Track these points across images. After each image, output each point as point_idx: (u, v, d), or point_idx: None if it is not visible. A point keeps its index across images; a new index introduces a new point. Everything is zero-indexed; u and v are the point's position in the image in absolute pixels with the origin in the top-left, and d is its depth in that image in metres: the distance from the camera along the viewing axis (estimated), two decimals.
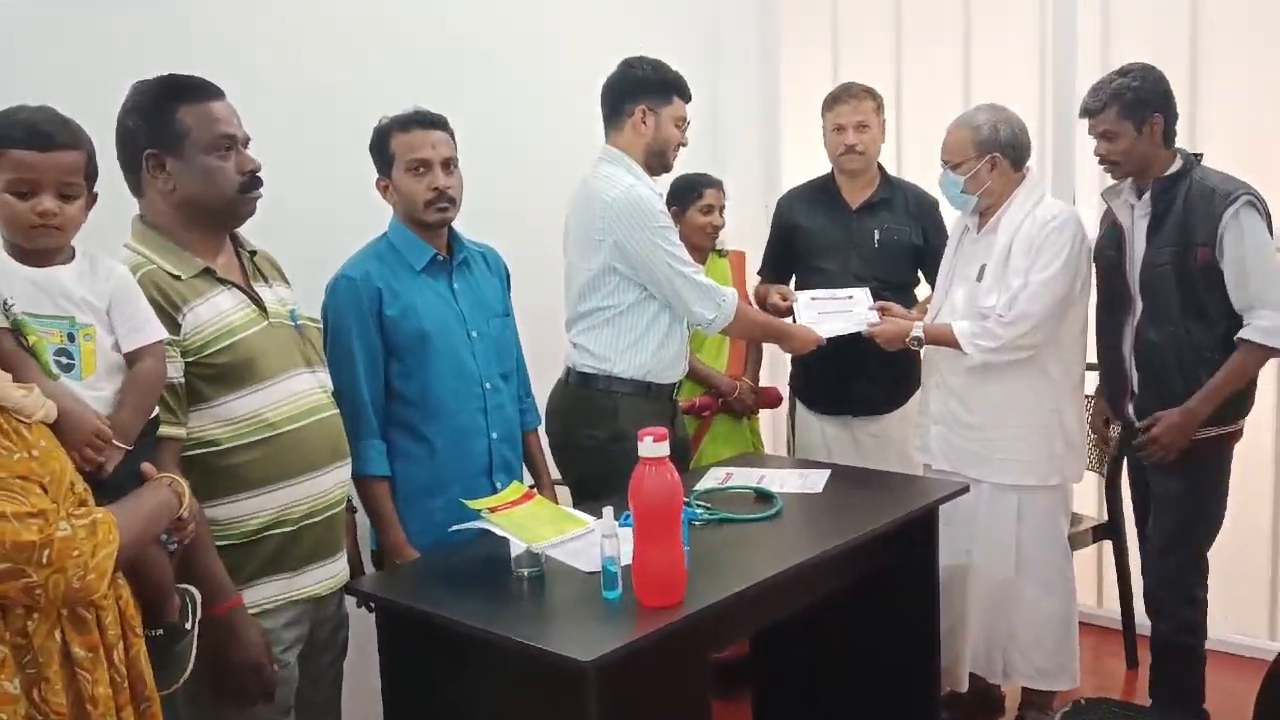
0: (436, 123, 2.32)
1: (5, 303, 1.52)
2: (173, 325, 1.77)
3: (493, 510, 2.09)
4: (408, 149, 2.29)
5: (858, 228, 3.21)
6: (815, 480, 2.59)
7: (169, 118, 1.85)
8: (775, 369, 3.88)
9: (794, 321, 3.07)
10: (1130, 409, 2.73)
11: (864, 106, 3.14)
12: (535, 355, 2.65)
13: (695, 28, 4.00)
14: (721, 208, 3.24)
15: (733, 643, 2.65)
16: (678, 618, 1.80)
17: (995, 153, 2.74)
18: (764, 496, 2.47)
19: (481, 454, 2.35)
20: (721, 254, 3.32)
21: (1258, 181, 2.60)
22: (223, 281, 1.88)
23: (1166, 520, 2.69)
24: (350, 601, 2.13)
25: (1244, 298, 2.52)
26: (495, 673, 1.87)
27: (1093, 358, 2.91)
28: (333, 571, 2.01)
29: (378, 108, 2.39)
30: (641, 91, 2.71)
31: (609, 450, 2.62)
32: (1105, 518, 3.31)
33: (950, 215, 3.20)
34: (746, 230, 3.71)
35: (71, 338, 1.56)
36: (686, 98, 2.77)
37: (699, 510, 2.31)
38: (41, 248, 1.57)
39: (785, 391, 3.48)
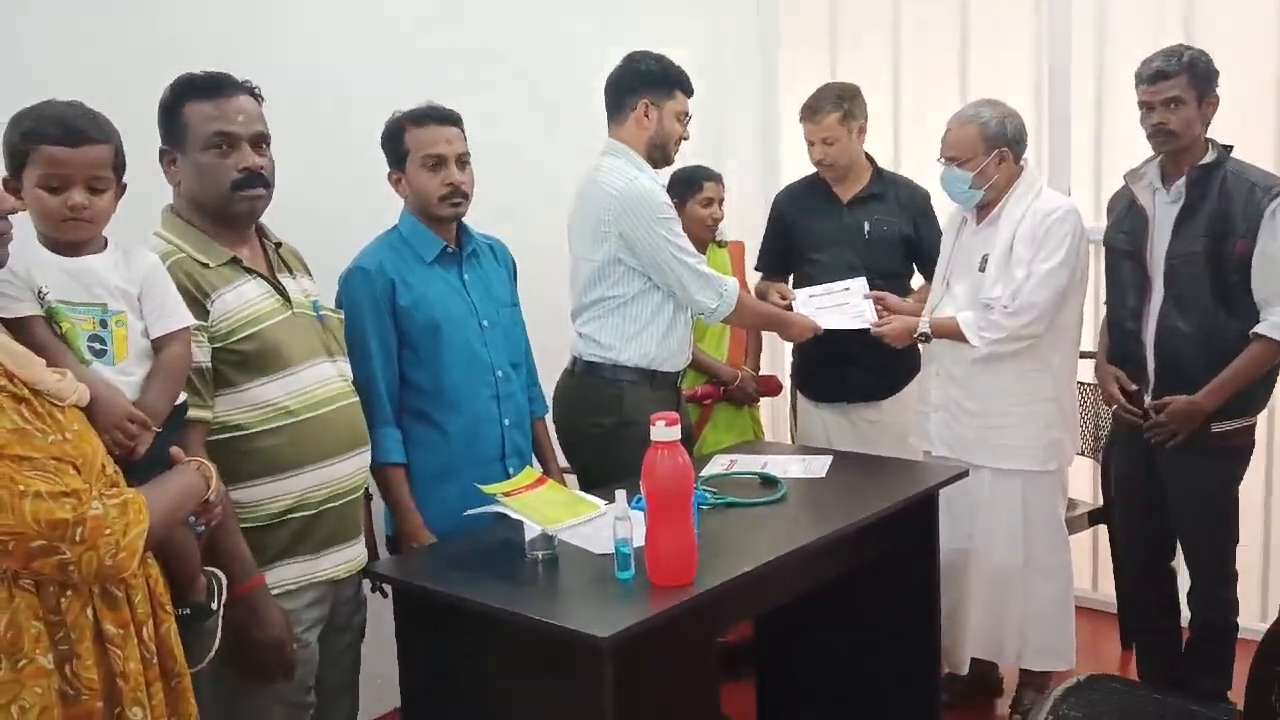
0: (450, 119, 2.37)
1: (40, 291, 1.57)
2: (201, 311, 1.82)
3: (507, 495, 2.13)
4: (423, 144, 2.33)
5: (850, 221, 3.27)
6: (818, 465, 2.65)
7: (177, 114, 1.90)
8: (775, 359, 3.94)
9: None
10: (1147, 396, 2.76)
11: (828, 121, 3.17)
12: (539, 346, 2.69)
13: (696, 23, 4.05)
14: (720, 200, 3.29)
15: (740, 621, 2.70)
16: (689, 597, 1.85)
17: (1003, 147, 2.79)
18: (768, 481, 2.52)
19: (495, 440, 2.40)
20: (721, 245, 3.39)
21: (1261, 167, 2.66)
22: (249, 271, 1.93)
23: (1203, 512, 2.72)
24: (365, 587, 2.18)
25: (1265, 291, 2.56)
26: (511, 652, 1.92)
27: (1086, 345, 2.97)
28: (352, 555, 2.07)
29: (385, 103, 2.43)
30: (644, 85, 2.75)
31: (615, 437, 2.69)
32: (1100, 502, 3.38)
33: (942, 207, 3.27)
34: (747, 222, 3.76)
35: (104, 324, 1.61)
36: (689, 92, 2.81)
37: (706, 494, 2.36)
38: (73, 239, 1.62)
39: (785, 380, 3.54)
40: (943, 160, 2.85)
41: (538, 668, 1.88)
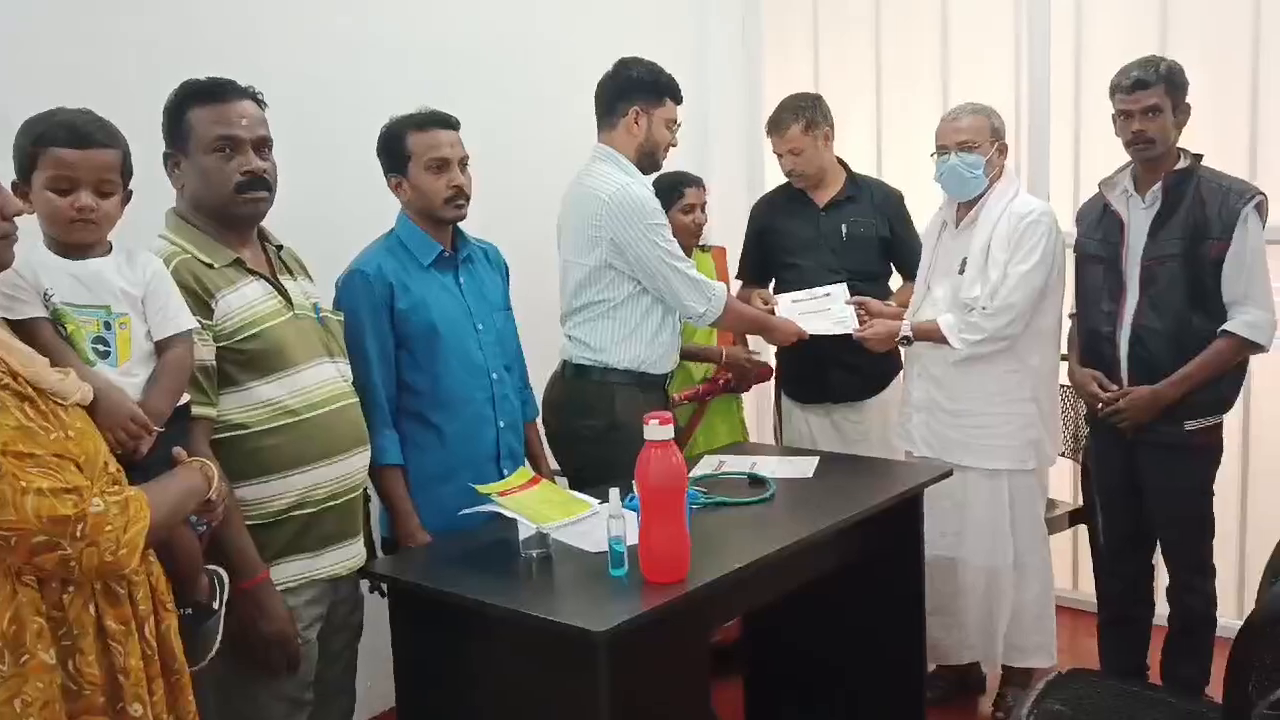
0: (451, 123, 2.41)
1: (46, 293, 1.60)
2: (205, 311, 1.85)
3: (501, 494, 2.16)
4: (427, 147, 2.36)
5: (826, 224, 3.33)
6: (805, 466, 2.69)
7: (181, 119, 1.93)
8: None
9: None
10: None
11: (791, 133, 3.24)
12: (527, 349, 2.71)
13: (682, 31, 4.10)
14: (703, 205, 3.33)
15: (732, 618, 2.73)
16: (682, 593, 1.89)
17: (1002, 140, 2.89)
18: (757, 481, 2.56)
19: (490, 442, 2.43)
20: (704, 249, 3.43)
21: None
22: (252, 272, 1.96)
23: (1180, 508, 2.78)
24: (363, 586, 2.21)
25: (1234, 292, 2.63)
26: (507, 648, 1.95)
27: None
28: (351, 553, 2.09)
29: (378, 108, 2.46)
30: (636, 92, 2.79)
31: (605, 439, 2.72)
32: (1080, 502, 3.44)
33: (918, 208, 3.33)
34: (731, 227, 3.81)
35: (108, 326, 1.64)
36: (678, 100, 2.85)
37: (697, 494, 2.40)
38: (79, 242, 1.64)
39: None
40: (951, 149, 2.87)
41: (533, 664, 1.91)
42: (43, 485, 1.39)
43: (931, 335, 2.92)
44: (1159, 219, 2.71)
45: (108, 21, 2.49)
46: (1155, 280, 2.70)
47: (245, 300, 1.93)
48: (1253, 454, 3.48)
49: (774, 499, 2.44)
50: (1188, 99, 2.72)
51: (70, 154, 1.61)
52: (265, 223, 2.08)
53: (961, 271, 2.91)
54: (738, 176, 4.28)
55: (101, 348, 1.63)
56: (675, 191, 3.29)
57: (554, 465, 2.79)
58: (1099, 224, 2.85)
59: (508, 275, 2.64)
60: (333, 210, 2.70)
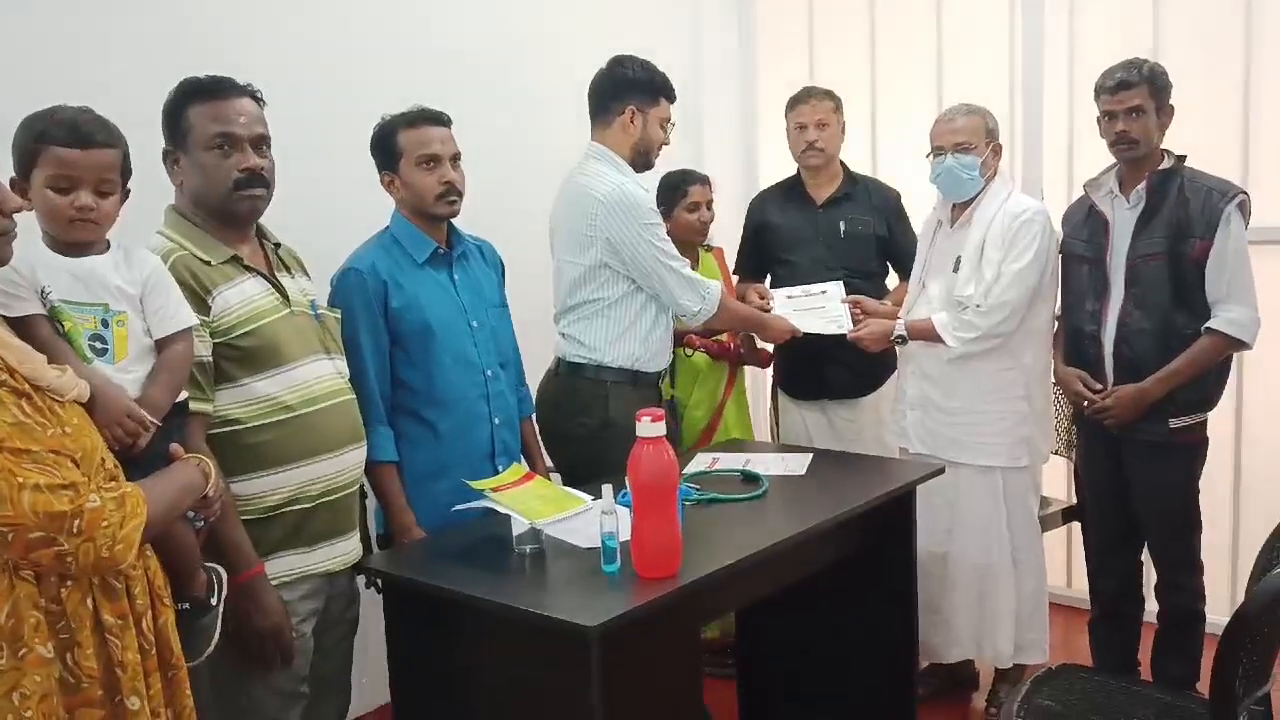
0: (442, 119, 2.42)
1: (43, 291, 1.61)
2: (202, 307, 1.87)
3: (495, 490, 2.18)
4: (418, 144, 2.38)
5: (824, 222, 3.35)
6: (798, 463, 2.71)
7: (180, 117, 1.95)
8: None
9: None
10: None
11: (823, 106, 3.29)
12: (522, 347, 2.72)
13: (677, 29, 4.12)
14: (708, 202, 3.35)
15: (723, 613, 2.76)
16: (674, 588, 1.91)
17: (997, 141, 2.92)
18: (750, 478, 2.58)
19: (484, 439, 2.44)
20: (709, 249, 3.44)
21: (1219, 175, 2.75)
22: (249, 269, 1.98)
23: (1167, 504, 2.80)
24: (360, 582, 2.23)
25: (1217, 290, 2.66)
26: (500, 643, 1.96)
27: None
28: (346, 549, 2.11)
29: (371, 106, 2.48)
30: (631, 91, 2.80)
31: (598, 437, 2.74)
32: (1073, 500, 3.45)
33: (914, 208, 3.35)
34: (725, 226, 3.83)
35: (105, 324, 1.66)
36: (672, 99, 2.86)
37: (690, 490, 2.42)
38: (78, 240, 1.66)
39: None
40: (947, 150, 2.89)
41: (526, 658, 1.93)
42: (39, 481, 1.40)
43: (926, 334, 2.94)
44: (1143, 218, 2.74)
45: (105, 20, 2.51)
46: (1140, 279, 2.73)
47: (242, 296, 1.94)
48: (1245, 452, 3.50)
49: (767, 496, 2.46)
50: (1172, 100, 2.74)
51: (71, 154, 1.62)
52: (263, 220, 2.10)
53: (956, 270, 2.93)
54: (733, 175, 4.30)
55: (99, 345, 1.65)
56: (679, 190, 3.31)
57: (549, 463, 2.80)
58: (1084, 224, 2.88)
59: (503, 272, 2.66)
60: (328, 208, 2.71)
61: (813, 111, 3.28)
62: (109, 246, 1.71)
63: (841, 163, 3.41)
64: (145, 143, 1.93)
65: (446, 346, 2.39)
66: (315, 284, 2.22)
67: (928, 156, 2.95)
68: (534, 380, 2.84)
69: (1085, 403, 2.83)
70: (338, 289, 2.35)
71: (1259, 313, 2.69)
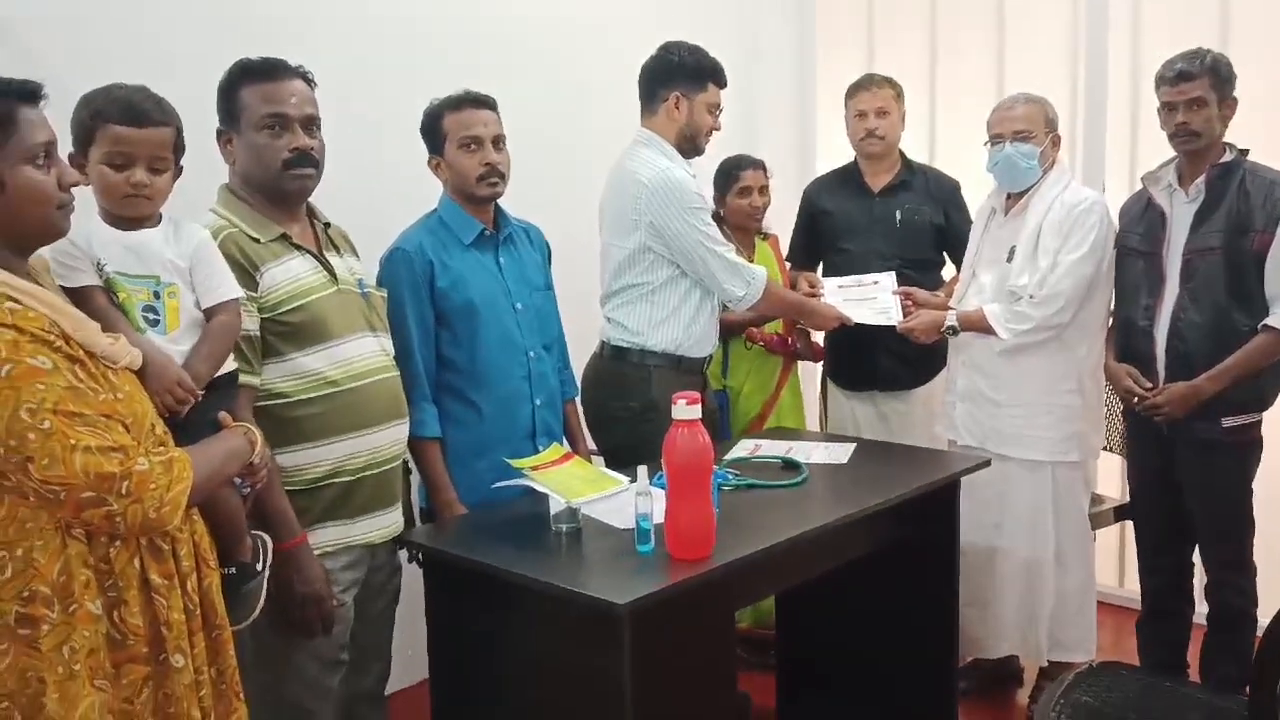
0: (486, 102, 2.45)
1: (99, 263, 1.68)
2: (251, 283, 1.92)
3: (534, 469, 2.21)
4: (461, 127, 2.42)
5: (880, 210, 3.33)
6: (840, 452, 2.70)
7: (234, 97, 2.01)
8: None
9: None
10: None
11: (884, 94, 3.27)
12: (568, 329, 2.76)
13: (735, 19, 4.10)
14: (762, 188, 3.33)
15: (758, 599, 2.75)
16: (706, 569, 1.92)
17: (1055, 132, 2.87)
18: (790, 465, 2.58)
19: (525, 418, 2.48)
20: (765, 236, 3.43)
21: None
22: (297, 247, 2.04)
23: (1219, 505, 2.76)
24: (402, 555, 2.28)
25: (1276, 285, 2.59)
26: (535, 618, 2.00)
27: None
28: (388, 522, 2.16)
29: (423, 91, 2.52)
30: (677, 77, 2.81)
31: (642, 420, 2.75)
32: (1126, 498, 3.39)
33: (973, 200, 3.31)
34: (779, 214, 3.81)
35: (157, 295, 1.72)
36: (721, 84, 2.85)
37: (728, 475, 2.43)
38: (132, 215, 1.73)
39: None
40: (1006, 138, 2.85)
41: (560, 634, 1.96)
42: (90, 443, 1.45)
43: (978, 325, 2.90)
44: (1201, 212, 2.68)
45: (155, 3, 2.60)
46: (1195, 273, 2.67)
47: (290, 274, 2.00)
48: None
49: (806, 483, 2.46)
50: (1237, 92, 2.67)
51: (127, 131, 1.69)
52: (314, 200, 2.15)
53: (1009, 260, 2.89)
54: (789, 163, 4.27)
55: (151, 316, 1.71)
56: (730, 176, 3.31)
57: (591, 446, 2.83)
58: (1141, 218, 2.82)
59: (549, 255, 2.69)
60: (378, 190, 2.77)
61: (873, 99, 3.26)
62: (161, 221, 1.77)
63: (900, 151, 3.38)
64: (201, 122, 2.00)
65: (490, 327, 2.43)
66: (364, 264, 2.27)
67: (986, 144, 2.91)
68: (581, 363, 2.87)
69: (1135, 399, 2.78)
70: (385, 268, 2.40)
71: None
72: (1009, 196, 2.96)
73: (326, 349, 2.02)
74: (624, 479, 2.27)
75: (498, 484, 2.22)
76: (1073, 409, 2.88)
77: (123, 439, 1.51)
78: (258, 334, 1.95)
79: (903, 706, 2.78)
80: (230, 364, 1.84)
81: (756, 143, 4.03)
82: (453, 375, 2.42)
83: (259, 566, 1.83)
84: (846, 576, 2.48)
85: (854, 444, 2.78)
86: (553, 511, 2.12)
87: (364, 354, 2.08)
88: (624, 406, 2.80)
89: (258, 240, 1.98)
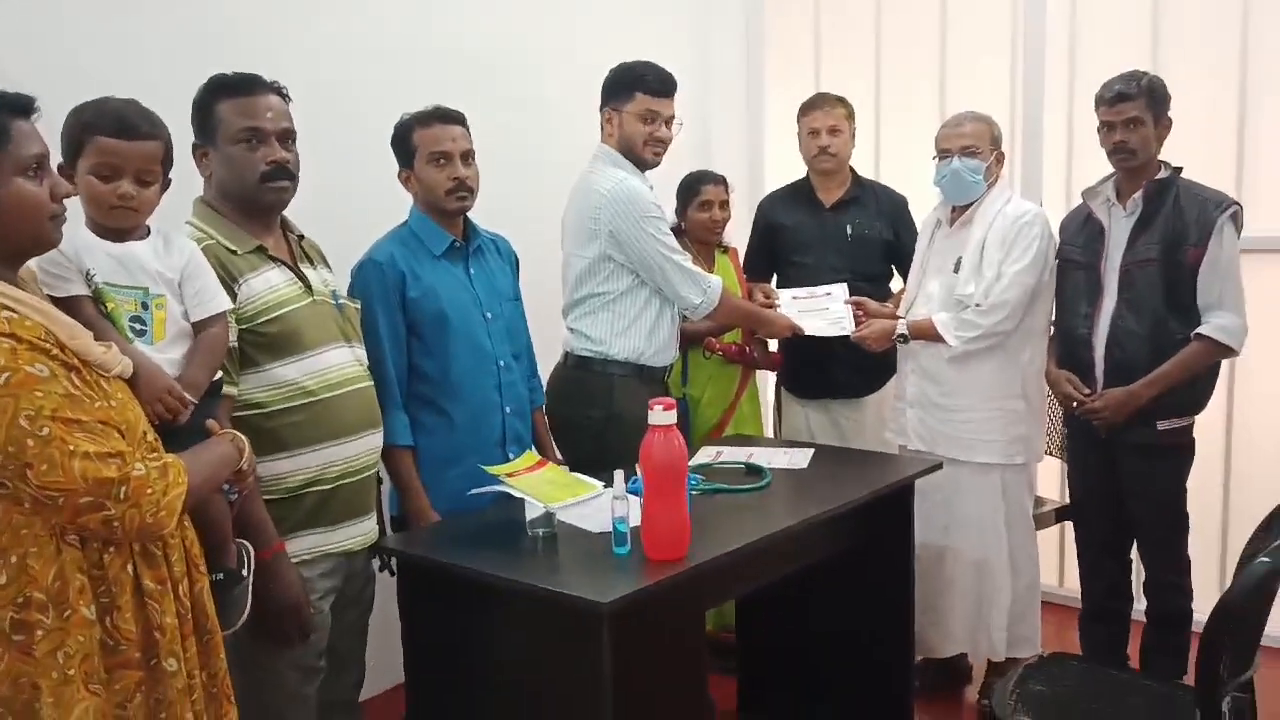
0: (455, 118, 2.50)
1: (88, 273, 1.69)
2: (229, 294, 1.94)
3: (510, 475, 2.25)
4: (430, 142, 2.47)
5: (832, 224, 3.43)
6: (800, 457, 2.79)
7: (209, 112, 2.03)
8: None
9: None
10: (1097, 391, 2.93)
11: (836, 113, 3.38)
12: (534, 340, 2.79)
13: (685, 34, 4.20)
14: (723, 202, 3.41)
15: (728, 599, 2.82)
16: (682, 570, 1.99)
17: (1000, 149, 3.00)
18: (754, 470, 2.66)
19: (496, 427, 2.52)
20: (724, 249, 3.51)
21: (1214, 185, 2.84)
22: (273, 259, 2.06)
23: (1156, 505, 2.89)
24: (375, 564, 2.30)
25: (1208, 297, 2.75)
26: (515, 621, 2.04)
27: None
28: (364, 529, 2.19)
29: (393, 106, 2.56)
30: (607, 95, 2.93)
31: (605, 429, 2.83)
32: (1066, 500, 3.53)
33: (917, 213, 3.44)
34: (732, 227, 3.91)
35: (145, 306, 1.73)
36: (654, 92, 2.89)
37: (696, 480, 2.49)
38: (119, 226, 1.74)
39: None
40: (954, 153, 2.96)
41: (540, 635, 2.01)
42: (89, 449, 1.47)
43: (927, 333, 3.02)
44: (1138, 226, 2.82)
45: (135, 21, 2.61)
46: (1133, 284, 2.81)
47: (267, 285, 2.02)
48: (1235, 456, 3.58)
49: (770, 487, 2.54)
50: (1171, 113, 2.82)
51: (115, 143, 1.71)
52: (286, 213, 2.17)
53: (956, 270, 3.01)
54: (739, 178, 4.37)
55: (138, 326, 1.73)
56: (692, 190, 3.39)
57: (557, 455, 2.87)
58: (1081, 231, 2.97)
59: (517, 266, 2.74)
60: (347, 203, 2.79)
61: (825, 117, 3.37)
62: (149, 233, 1.79)
63: (851, 168, 3.49)
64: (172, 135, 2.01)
65: (461, 336, 2.47)
66: (336, 275, 2.30)
67: (934, 159, 3.03)
68: (544, 373, 2.92)
69: (1074, 404, 2.91)
70: (357, 279, 2.43)
71: (1247, 320, 2.77)
72: (954, 209, 3.08)
73: (302, 360, 2.04)
74: (598, 484, 2.33)
75: (474, 490, 2.26)
76: (1018, 414, 3.01)
77: (120, 445, 1.52)
78: (235, 345, 1.97)
79: (861, 706, 2.87)
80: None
81: (710, 159, 4.12)
82: (424, 384, 2.45)
83: (244, 572, 1.85)
84: (805, 582, 2.57)
85: (812, 450, 2.87)
86: (529, 517, 2.17)
87: (339, 364, 2.11)
88: (586, 416, 2.86)
89: (235, 252, 2.00)
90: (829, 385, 3.43)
